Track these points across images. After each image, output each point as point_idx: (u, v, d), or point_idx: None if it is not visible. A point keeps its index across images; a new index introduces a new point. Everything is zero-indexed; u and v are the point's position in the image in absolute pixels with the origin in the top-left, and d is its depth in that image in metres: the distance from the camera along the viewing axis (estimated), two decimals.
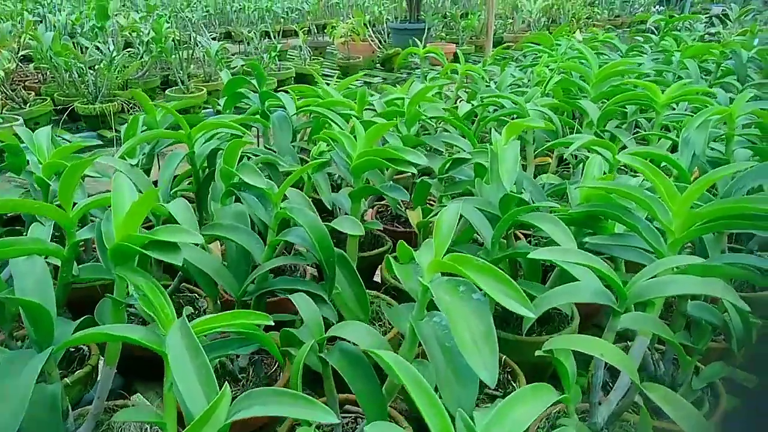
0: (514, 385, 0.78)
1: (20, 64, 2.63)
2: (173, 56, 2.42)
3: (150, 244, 0.57)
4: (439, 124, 1.54)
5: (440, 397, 0.52)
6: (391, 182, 1.05)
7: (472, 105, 1.39)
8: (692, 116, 1.02)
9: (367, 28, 3.47)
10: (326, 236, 0.70)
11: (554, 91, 1.39)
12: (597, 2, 5.97)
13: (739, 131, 1.05)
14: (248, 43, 3.13)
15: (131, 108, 2.35)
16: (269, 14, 3.80)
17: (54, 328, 0.57)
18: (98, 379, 0.62)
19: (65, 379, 0.75)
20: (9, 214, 1.10)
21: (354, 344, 0.60)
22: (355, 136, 0.86)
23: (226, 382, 0.46)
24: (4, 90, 2.09)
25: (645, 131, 1.37)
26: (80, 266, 0.70)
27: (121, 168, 0.82)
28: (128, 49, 2.42)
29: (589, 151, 1.01)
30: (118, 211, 0.61)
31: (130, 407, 0.61)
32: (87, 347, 0.83)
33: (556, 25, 4.55)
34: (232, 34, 3.75)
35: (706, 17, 3.21)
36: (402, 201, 1.14)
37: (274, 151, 1.08)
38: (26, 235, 0.70)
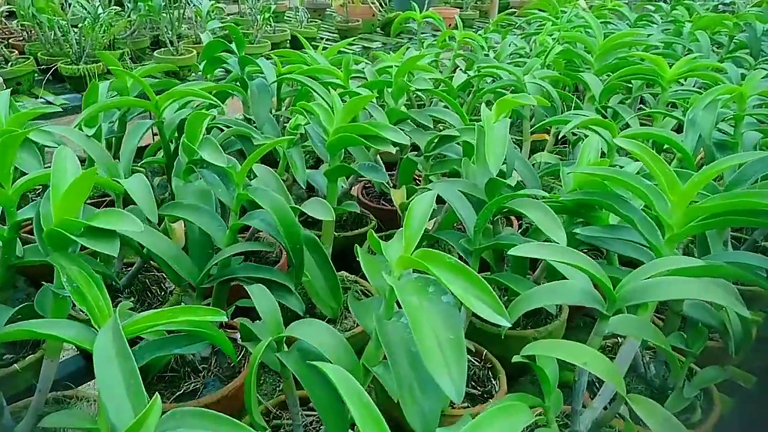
0: (494, 382, 0.73)
1: (4, 20, 2.53)
2: (162, 16, 2.32)
3: (86, 231, 0.52)
4: (434, 96, 1.46)
5: (403, 410, 0.47)
6: (373, 161, 0.99)
7: (468, 75, 1.31)
8: (700, 94, 0.95)
9: None
10: (293, 221, 0.64)
11: (555, 63, 1.31)
12: None
13: (750, 111, 0.97)
14: (243, 3, 3.01)
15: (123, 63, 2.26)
16: None
17: None
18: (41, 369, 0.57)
19: (15, 365, 0.71)
20: None
21: None
22: (332, 109, 0.79)
23: (157, 393, 0.40)
24: None
25: (651, 108, 1.30)
26: (25, 247, 0.65)
27: (75, 138, 0.75)
28: (114, 7, 2.32)
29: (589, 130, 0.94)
30: (57, 191, 0.55)
31: (62, 411, 0.57)
32: None
33: None
34: None
35: None
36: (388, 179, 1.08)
37: (254, 122, 1.02)
38: None
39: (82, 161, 0.80)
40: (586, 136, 0.91)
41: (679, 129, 1.00)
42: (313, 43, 2.55)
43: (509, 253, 0.54)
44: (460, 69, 1.43)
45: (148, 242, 0.64)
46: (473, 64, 1.47)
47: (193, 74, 2.43)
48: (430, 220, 0.57)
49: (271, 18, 2.72)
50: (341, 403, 0.52)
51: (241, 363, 0.72)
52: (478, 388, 0.73)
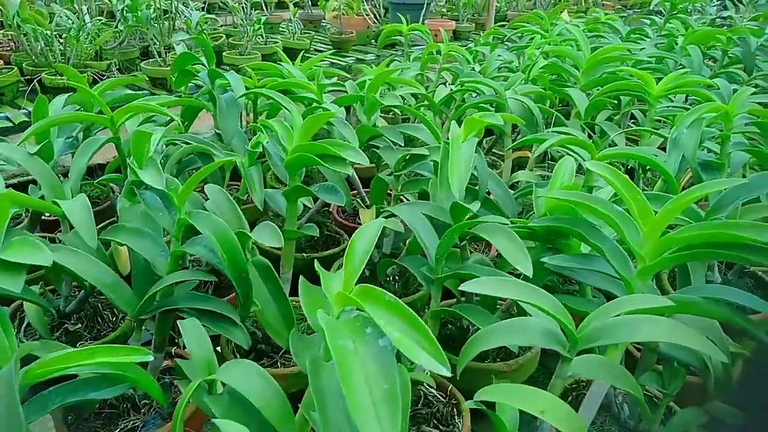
0: (458, 420, 0.68)
1: None
2: (149, 27, 2.29)
3: None
4: (419, 110, 1.42)
5: None
6: (344, 179, 0.95)
7: (451, 90, 1.27)
8: (689, 110, 0.91)
9: (363, 1, 3.31)
10: (236, 248, 0.60)
11: (540, 78, 1.26)
12: None
13: (740, 128, 0.93)
14: (236, 14, 2.98)
15: (106, 79, 2.23)
16: None
17: None
18: None
19: None
20: None
21: None
22: (292, 127, 0.75)
23: None
24: None
25: (642, 124, 1.25)
26: None
27: (16, 156, 0.71)
28: (99, 18, 2.29)
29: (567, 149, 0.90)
30: None
31: None
32: None
33: (565, 3, 4.37)
34: (220, 4, 3.59)
35: None
36: (365, 197, 1.03)
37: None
38: None
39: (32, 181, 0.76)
40: (570, 153, 0.87)
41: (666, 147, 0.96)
42: (305, 54, 2.52)
43: (459, 288, 0.50)
44: (444, 83, 1.39)
45: (82, 269, 0.60)
46: (458, 78, 1.43)
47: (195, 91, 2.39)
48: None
49: (263, 29, 2.69)
50: None
51: None
52: (441, 426, 0.68)
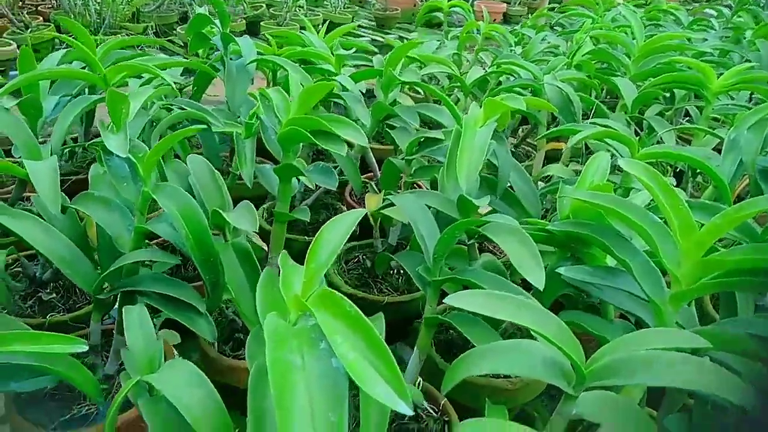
0: None
1: None
2: None
3: None
4: (452, 91, 1.32)
5: None
6: (355, 159, 0.87)
7: (485, 71, 1.16)
8: (751, 110, 0.79)
9: None
10: (204, 229, 0.53)
11: (585, 64, 1.15)
12: None
13: None
14: None
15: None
16: None
17: None
18: None
19: None
20: None
21: None
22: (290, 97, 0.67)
23: None
24: (6, 12, 1.97)
25: (695, 123, 1.13)
26: None
27: None
28: None
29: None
30: None
31: None
32: None
33: None
34: None
35: None
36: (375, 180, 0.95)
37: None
38: None
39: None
40: (610, 149, 0.76)
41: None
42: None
43: (445, 301, 0.41)
44: (480, 65, 1.29)
45: (35, 238, 0.54)
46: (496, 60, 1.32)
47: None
48: None
49: (304, 1, 2.62)
50: None
51: None
52: None
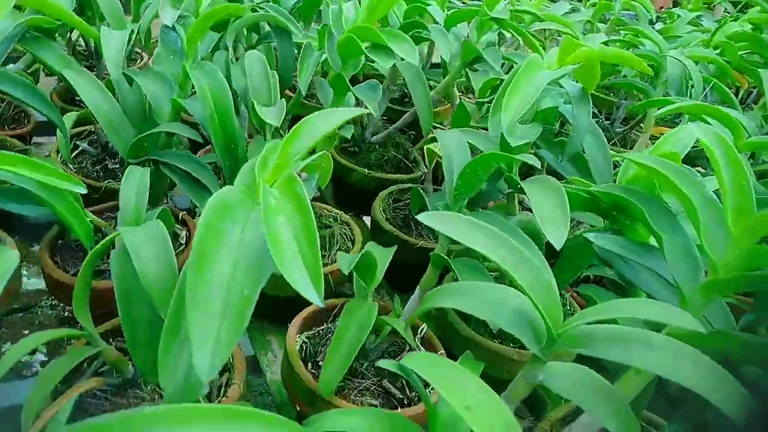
0: (428, 391, 0.56)
1: None
2: None
3: None
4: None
5: None
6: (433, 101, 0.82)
7: (608, 37, 1.05)
8: None
9: None
10: (229, 113, 0.52)
11: (726, 47, 0.99)
12: None
13: None
14: None
15: None
16: None
17: None
18: None
19: None
20: None
21: None
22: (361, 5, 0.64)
23: None
24: None
25: None
26: None
27: None
28: None
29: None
30: None
31: None
32: None
33: None
34: None
35: None
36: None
37: None
38: None
39: None
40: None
41: None
42: None
43: (417, 217, 0.37)
44: (604, 32, 1.16)
45: (88, 95, 0.56)
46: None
47: None
48: None
49: None
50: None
51: None
52: (408, 392, 0.57)
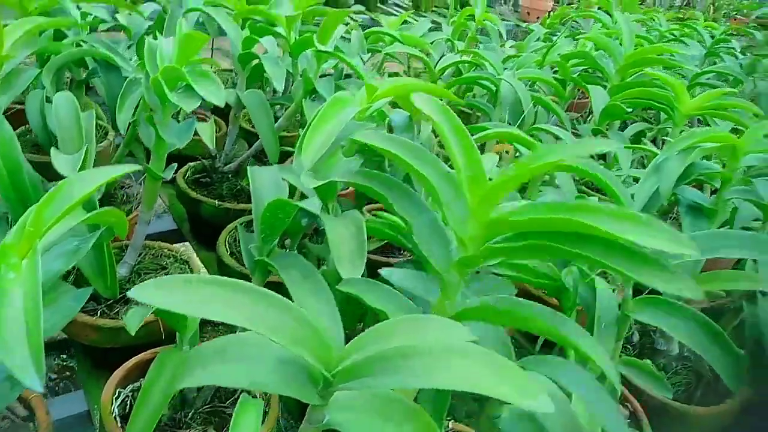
0: None
1: None
2: None
3: None
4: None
5: None
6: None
7: (459, 58, 1.11)
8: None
9: None
10: (18, 168, 0.49)
11: (560, 67, 1.07)
12: None
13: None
14: None
15: None
16: None
17: None
18: None
19: None
20: None
21: None
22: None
23: None
24: None
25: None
26: None
27: None
28: None
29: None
30: None
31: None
32: None
33: (691, 9, 3.91)
34: None
35: None
36: None
37: None
38: None
39: None
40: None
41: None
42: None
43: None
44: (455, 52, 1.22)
45: None
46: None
47: None
48: None
49: None
50: None
51: None
52: None
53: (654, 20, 1.76)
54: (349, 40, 1.02)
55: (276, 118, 0.88)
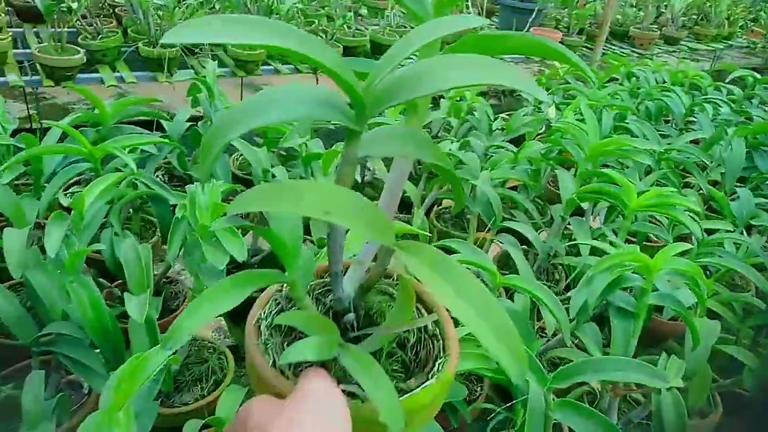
0: None
1: None
2: (242, 9, 2.44)
3: None
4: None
5: None
6: None
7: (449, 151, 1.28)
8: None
9: (467, 2, 3.23)
10: (104, 317, 0.71)
11: (533, 160, 1.24)
12: None
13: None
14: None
15: (197, 53, 2.44)
16: None
17: None
18: None
19: None
20: None
21: None
22: None
23: None
24: (82, 19, 2.24)
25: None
26: None
27: None
28: None
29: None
30: None
31: None
32: None
33: (706, 24, 3.94)
34: None
35: None
36: None
37: None
38: None
39: None
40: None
41: None
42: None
43: None
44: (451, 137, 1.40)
45: None
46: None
47: (263, 67, 2.52)
48: None
49: (351, 19, 2.76)
50: None
51: None
52: None
53: (644, 71, 1.86)
54: None
55: None
